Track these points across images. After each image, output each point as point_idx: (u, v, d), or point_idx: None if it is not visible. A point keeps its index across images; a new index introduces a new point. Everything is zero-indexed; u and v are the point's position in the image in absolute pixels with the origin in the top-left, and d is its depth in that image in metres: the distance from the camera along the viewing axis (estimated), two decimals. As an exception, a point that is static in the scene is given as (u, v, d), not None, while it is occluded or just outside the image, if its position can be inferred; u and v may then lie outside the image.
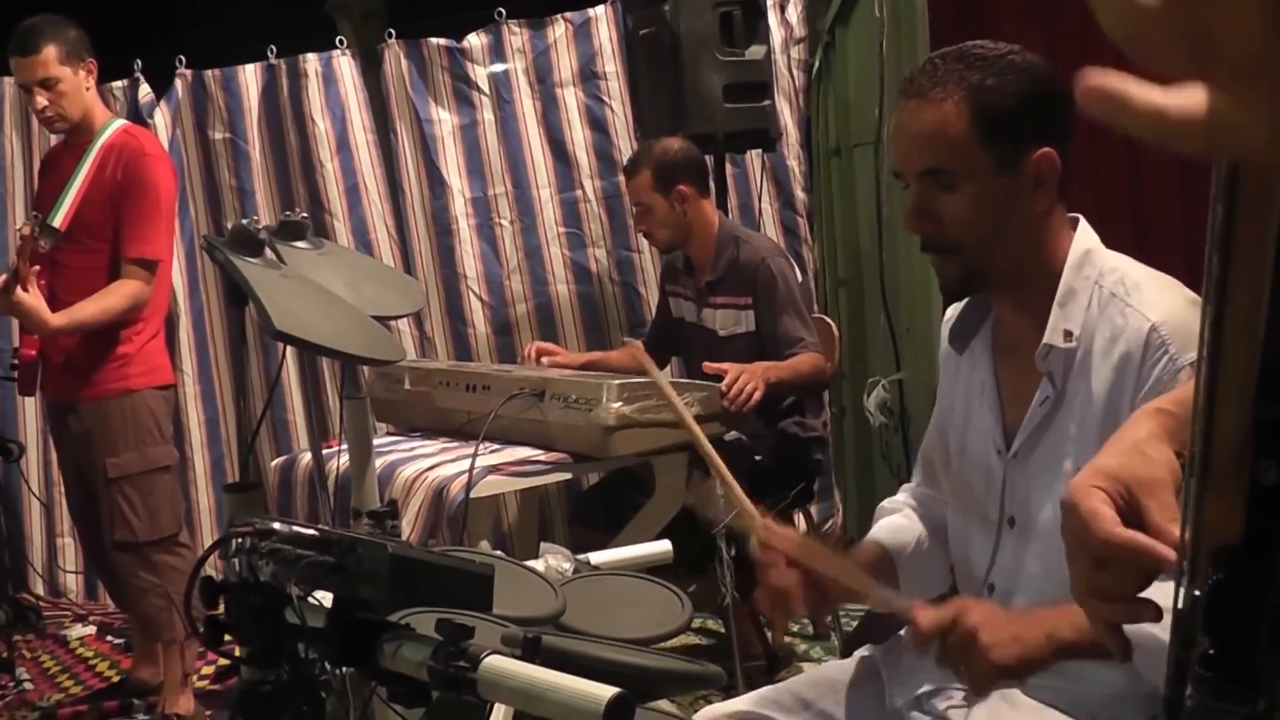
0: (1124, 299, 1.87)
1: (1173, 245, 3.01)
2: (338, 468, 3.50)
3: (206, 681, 4.48)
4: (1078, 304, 1.91)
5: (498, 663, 1.53)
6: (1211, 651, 0.88)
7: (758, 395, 3.77)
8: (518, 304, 5.27)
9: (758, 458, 4.10)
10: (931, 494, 2.27)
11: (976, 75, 1.88)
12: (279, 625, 1.70)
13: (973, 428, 2.09)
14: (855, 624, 4.52)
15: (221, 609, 1.75)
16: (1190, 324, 1.79)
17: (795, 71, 5.51)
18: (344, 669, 1.81)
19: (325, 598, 1.73)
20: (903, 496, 2.33)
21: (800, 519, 4.52)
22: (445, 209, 5.22)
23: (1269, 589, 0.89)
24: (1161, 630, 1.70)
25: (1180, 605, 0.95)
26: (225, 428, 5.24)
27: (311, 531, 1.63)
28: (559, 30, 5.28)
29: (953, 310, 2.15)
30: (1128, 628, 1.74)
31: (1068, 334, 1.90)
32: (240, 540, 1.65)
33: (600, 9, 5.29)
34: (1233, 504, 0.87)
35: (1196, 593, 0.92)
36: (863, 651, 2.24)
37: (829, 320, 4.69)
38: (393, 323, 4.80)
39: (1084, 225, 1.98)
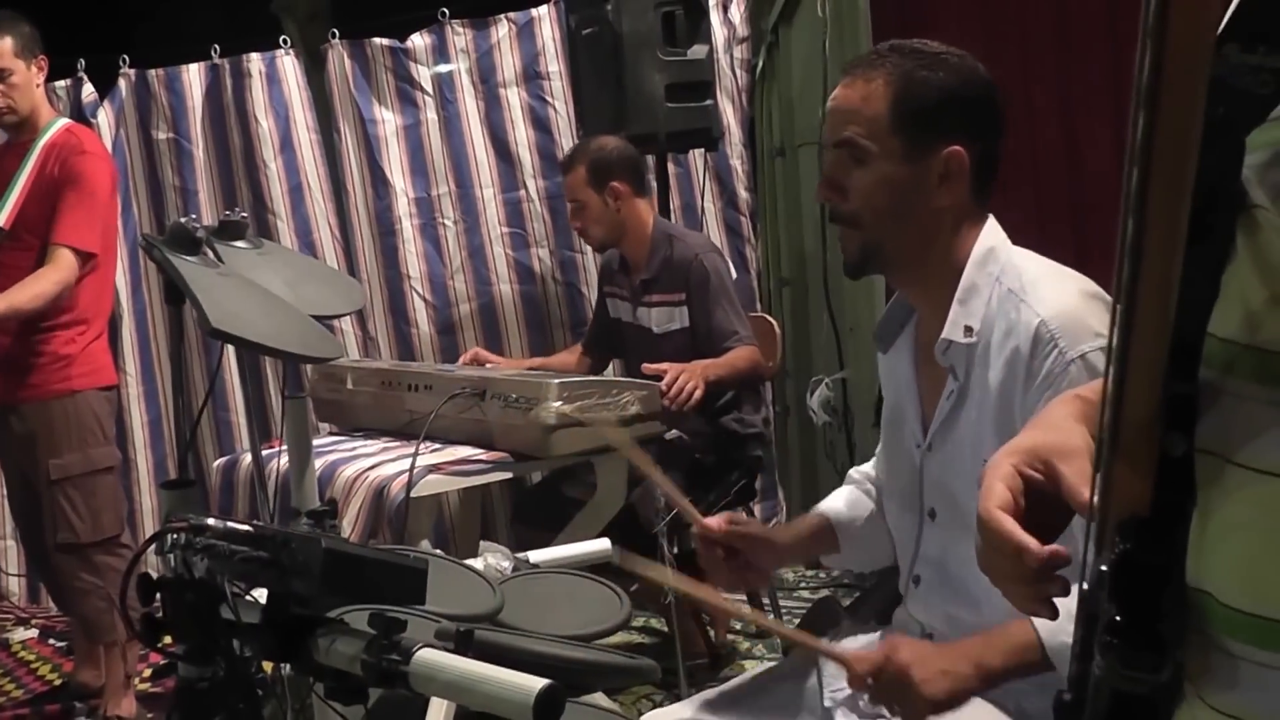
0: (1020, 295, 1.92)
1: (1111, 238, 3.06)
2: (278, 468, 3.51)
3: (149, 684, 4.47)
4: (979, 300, 1.96)
5: (430, 656, 1.55)
6: (1118, 619, 0.91)
7: (699, 394, 3.80)
8: (461, 304, 5.27)
9: (697, 455, 4.13)
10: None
11: (905, 65, 1.96)
12: (215, 622, 1.71)
13: (899, 423, 2.15)
14: (797, 623, 4.57)
15: (158, 606, 1.77)
16: (1082, 318, 1.85)
17: (738, 71, 5.54)
18: (284, 667, 1.82)
19: (262, 595, 1.75)
20: (869, 467, 2.38)
21: (743, 517, 4.54)
22: (389, 209, 5.22)
23: (1173, 559, 0.92)
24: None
25: (1086, 582, 0.98)
26: (168, 428, 5.22)
27: (245, 527, 1.64)
28: (502, 30, 5.29)
29: (885, 310, 2.21)
30: (1048, 640, 1.80)
31: (968, 329, 1.96)
32: (175, 536, 1.66)
33: (543, 9, 5.30)
34: (1141, 476, 0.90)
35: (1103, 567, 0.95)
36: (802, 651, 2.29)
37: (770, 319, 4.73)
38: (336, 323, 4.82)
39: (991, 223, 2.03)
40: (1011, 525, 1.08)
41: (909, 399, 2.11)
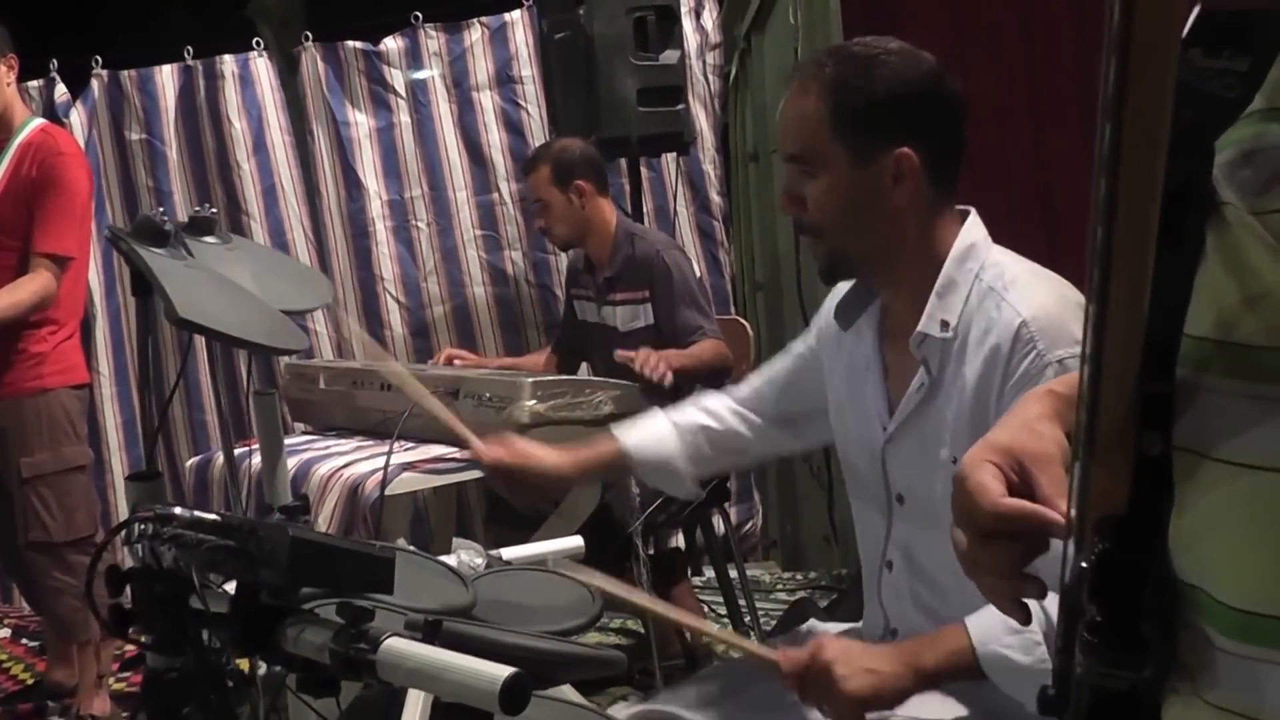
0: (1001, 293, 1.92)
1: (1082, 241, 3.09)
2: (252, 466, 3.52)
3: (124, 684, 4.47)
4: (957, 295, 1.96)
5: (397, 645, 1.56)
6: (1099, 619, 0.91)
7: (669, 378, 3.83)
8: (434, 306, 5.30)
9: None
10: (754, 402, 2.40)
11: (841, 71, 1.95)
12: (183, 612, 1.72)
13: (858, 405, 2.15)
14: (774, 624, 4.59)
15: (126, 598, 1.78)
16: (1062, 320, 1.86)
17: (711, 77, 5.58)
18: (258, 659, 1.84)
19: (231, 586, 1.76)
20: (714, 400, 2.46)
21: (718, 520, 4.57)
22: (362, 211, 5.25)
23: (1152, 558, 0.93)
24: (1017, 652, 1.78)
25: (1067, 579, 1.00)
26: (142, 429, 5.22)
27: (211, 516, 1.66)
28: (475, 34, 5.32)
29: (840, 288, 2.21)
30: (980, 648, 1.82)
31: (944, 324, 1.96)
32: (142, 526, 1.67)
33: (516, 14, 5.34)
34: (1118, 476, 0.91)
35: (1083, 564, 0.96)
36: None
37: (743, 321, 4.76)
38: (309, 324, 4.83)
39: (972, 219, 2.04)
40: (1032, 505, 1.07)
41: (871, 379, 2.12)
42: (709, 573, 4.92)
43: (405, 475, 3.46)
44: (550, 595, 2.55)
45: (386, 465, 3.37)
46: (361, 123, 5.26)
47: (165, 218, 2.07)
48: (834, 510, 5.54)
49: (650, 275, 4.19)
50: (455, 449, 3.65)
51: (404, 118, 5.28)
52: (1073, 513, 1.03)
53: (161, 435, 5.24)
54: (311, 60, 5.22)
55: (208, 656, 1.76)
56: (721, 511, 4.61)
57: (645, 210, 5.04)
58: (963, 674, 1.85)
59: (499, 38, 5.32)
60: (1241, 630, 0.92)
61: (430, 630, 1.75)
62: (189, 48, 5.17)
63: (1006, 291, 1.92)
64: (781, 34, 5.60)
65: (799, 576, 5.45)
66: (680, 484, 2.43)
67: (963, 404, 1.93)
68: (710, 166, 5.56)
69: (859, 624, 2.27)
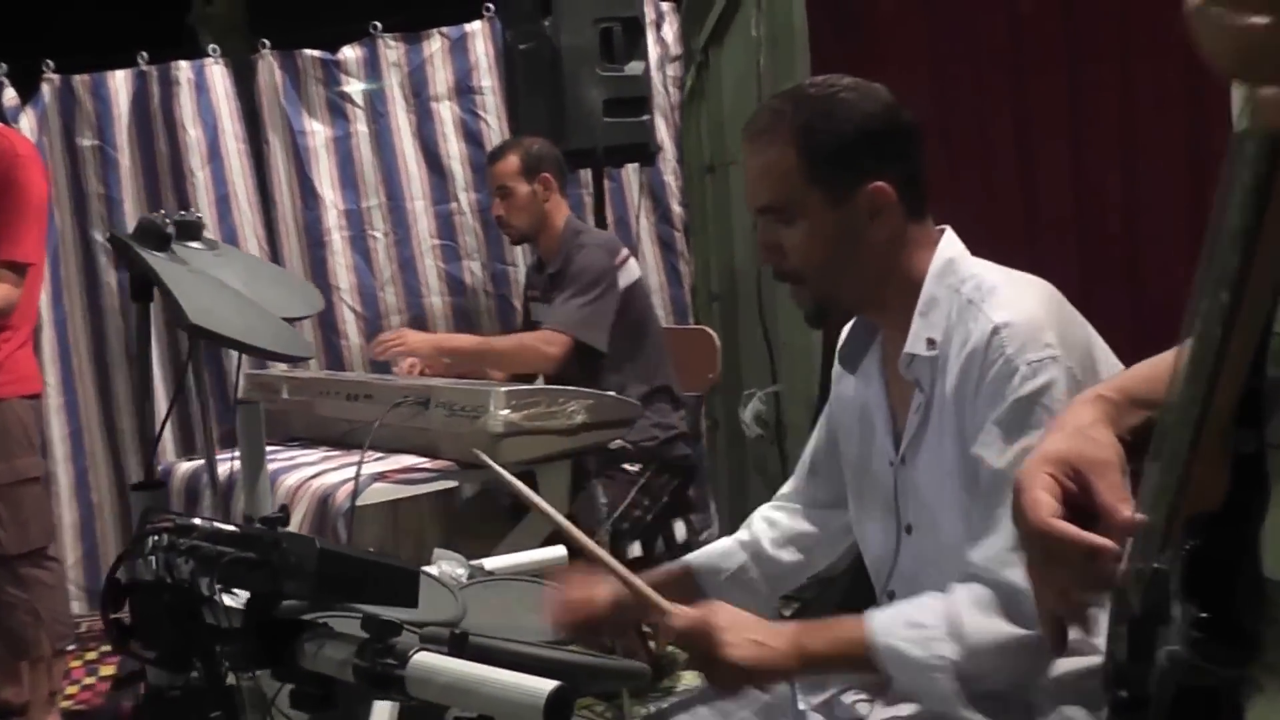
0: (978, 304, 1.92)
1: (1064, 260, 3.11)
2: (214, 479, 3.49)
3: (70, 702, 4.38)
4: (940, 312, 1.96)
5: (428, 659, 1.52)
6: (1204, 615, 0.91)
7: (411, 366, 4.07)
8: (391, 316, 5.24)
9: (625, 465, 4.14)
10: (813, 499, 2.32)
11: (803, 117, 1.94)
12: (197, 626, 1.67)
13: (870, 441, 2.14)
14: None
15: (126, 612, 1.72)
16: (1035, 325, 1.85)
17: (671, 89, 5.56)
18: (253, 673, 1.78)
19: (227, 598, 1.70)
20: (767, 509, 2.39)
21: (680, 527, 4.54)
22: (318, 220, 5.18)
23: (1244, 555, 0.93)
24: (912, 645, 1.78)
25: (1134, 577, 0.98)
26: (89, 441, 5.12)
27: (231, 528, 1.60)
28: (435, 45, 5.27)
29: (846, 330, 2.20)
30: (875, 640, 1.82)
31: (930, 342, 1.95)
32: (157, 537, 1.62)
33: (476, 24, 5.28)
34: (1216, 473, 0.91)
35: (1156, 565, 0.95)
36: None
37: (709, 331, 4.74)
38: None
39: (948, 236, 2.03)
40: (1077, 530, 1.09)
41: (879, 416, 2.11)
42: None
43: (377, 485, 3.41)
44: (536, 605, 2.51)
45: (357, 475, 3.32)
46: (318, 131, 5.19)
47: (167, 220, 2.01)
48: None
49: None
50: (426, 459, 3.61)
51: (362, 127, 5.22)
52: (1138, 515, 1.03)
53: (109, 449, 5.14)
54: (268, 68, 5.15)
55: (219, 673, 1.71)
56: (685, 520, 4.59)
57: (608, 221, 5.01)
58: (852, 664, 1.86)
59: (459, 48, 5.27)
60: None
61: (457, 643, 1.71)
62: (143, 53, 5.07)
63: (984, 301, 1.92)
64: (741, 47, 5.60)
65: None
66: (757, 595, 2.31)
67: (949, 418, 1.93)
68: (671, 177, 5.54)
69: None
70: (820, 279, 1.99)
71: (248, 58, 5.19)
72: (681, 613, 1.88)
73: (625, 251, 4.39)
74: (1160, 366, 1.25)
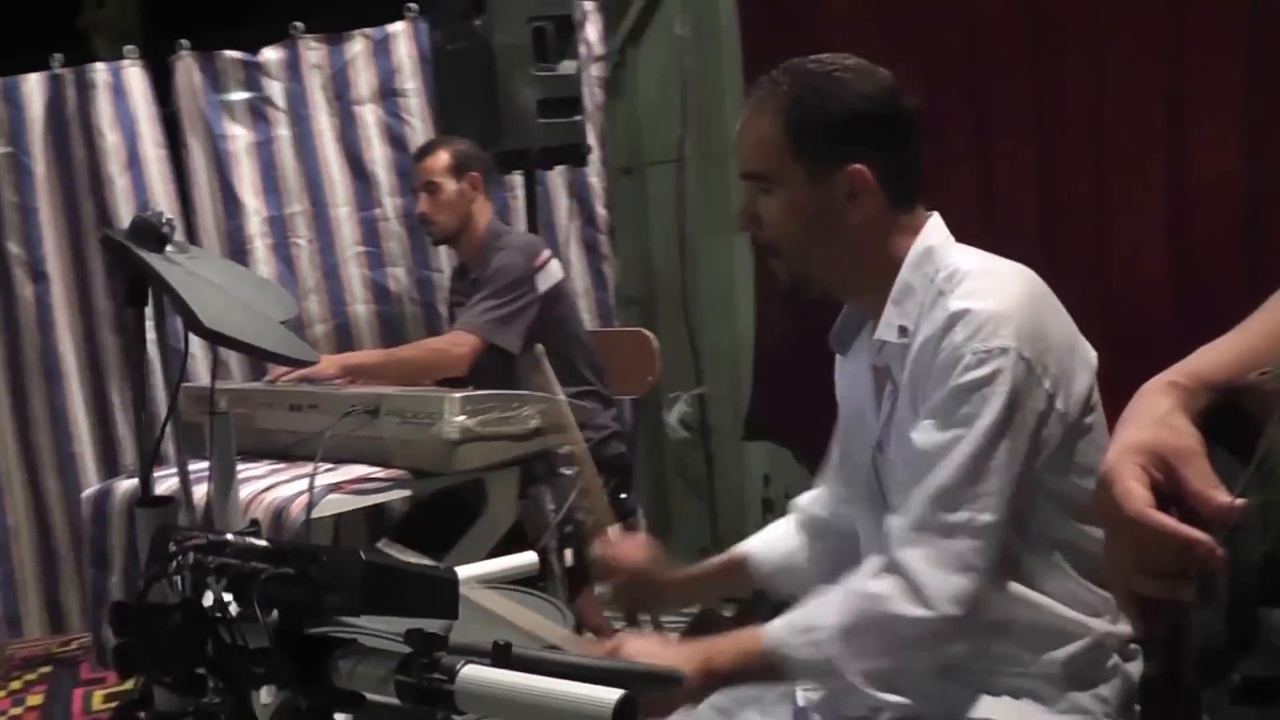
0: (949, 293, 1.92)
1: (1028, 245, 3.10)
2: (188, 496, 3.40)
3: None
4: (914, 300, 1.97)
5: (478, 673, 1.45)
6: None
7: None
8: (316, 324, 5.12)
9: (562, 469, 4.10)
10: (839, 495, 2.31)
11: (796, 91, 1.96)
12: (219, 647, 1.58)
13: (858, 425, 2.15)
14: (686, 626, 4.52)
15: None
16: (995, 316, 1.85)
17: (595, 89, 5.50)
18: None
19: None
20: (806, 498, 2.38)
21: (615, 531, 4.50)
22: (240, 228, 5.04)
23: None
24: (800, 650, 1.81)
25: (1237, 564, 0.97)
26: (3, 461, 4.95)
27: (262, 543, 1.52)
28: (358, 46, 5.15)
29: (841, 315, 2.21)
30: (772, 650, 1.83)
31: (902, 329, 1.96)
32: (183, 556, 1.53)
33: (399, 26, 5.17)
34: None
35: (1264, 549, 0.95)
36: None
37: (646, 333, 4.69)
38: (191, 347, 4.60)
39: (933, 223, 2.03)
40: (1175, 522, 1.09)
41: (868, 401, 2.12)
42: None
43: (332, 497, 3.32)
44: (520, 613, 2.46)
45: (311, 487, 3.23)
46: (239, 136, 5.06)
47: (162, 216, 1.91)
48: (717, 523, 5.53)
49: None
50: (378, 468, 3.52)
51: (284, 131, 5.09)
52: (1235, 501, 1.02)
53: (26, 468, 4.97)
54: (187, 70, 5.00)
55: (244, 694, 1.63)
56: (627, 525, 4.54)
57: (537, 225, 4.95)
58: (758, 674, 1.89)
59: (382, 50, 5.16)
60: None
61: (500, 655, 1.65)
62: (58, 55, 4.90)
63: (953, 290, 1.93)
64: (661, 47, 5.58)
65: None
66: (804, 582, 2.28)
67: (912, 403, 1.95)
68: (596, 179, 5.48)
69: None
70: (794, 253, 2.01)
71: (166, 60, 5.03)
72: (591, 647, 1.95)
73: (546, 254, 4.34)
74: (1225, 350, 1.25)
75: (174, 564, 1.55)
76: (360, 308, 5.18)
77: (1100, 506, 1.15)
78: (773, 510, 4.95)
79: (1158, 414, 1.17)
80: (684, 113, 5.44)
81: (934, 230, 2.03)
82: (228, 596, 1.53)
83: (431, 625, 1.52)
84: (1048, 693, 1.96)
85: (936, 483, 1.84)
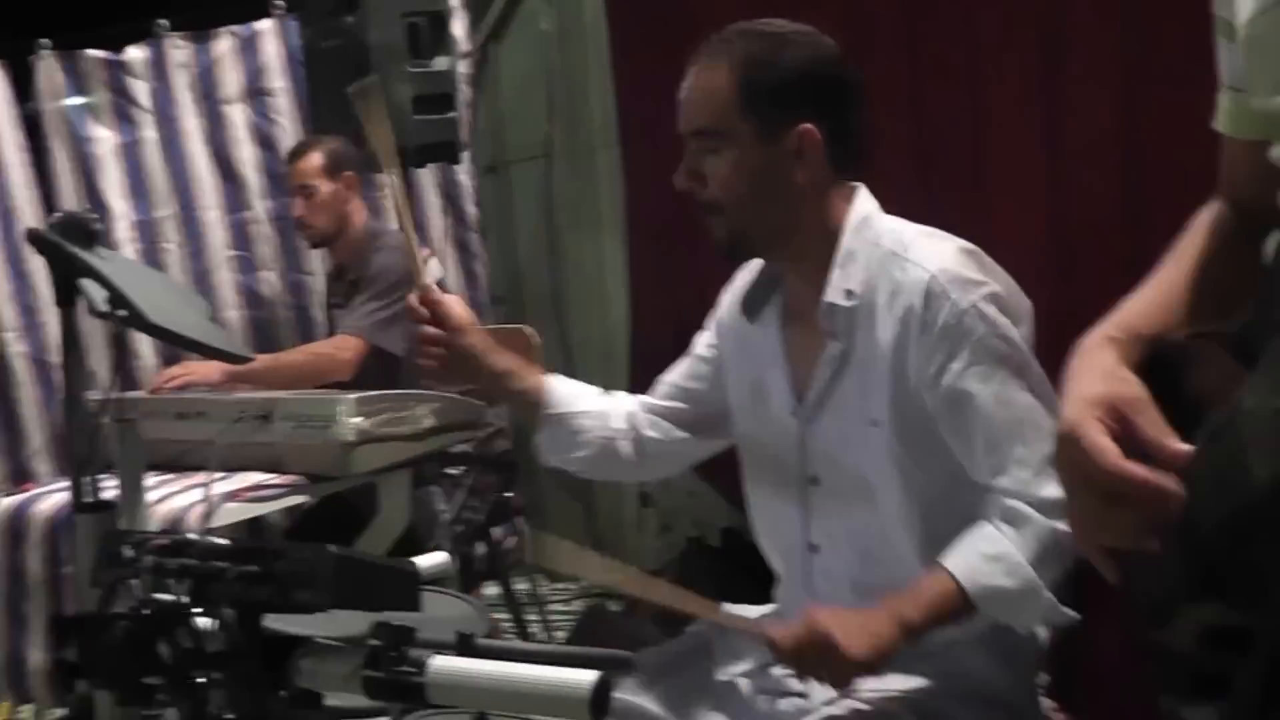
0: (902, 255, 2.00)
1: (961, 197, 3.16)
2: (50, 511, 3.33)
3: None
4: (858, 264, 2.03)
5: (449, 663, 1.45)
6: None
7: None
8: (187, 331, 5.00)
9: (445, 469, 4.13)
10: (664, 414, 2.32)
11: (750, 47, 2.01)
12: (177, 653, 1.54)
13: (765, 392, 2.18)
14: (571, 634, 4.51)
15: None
16: (966, 271, 1.96)
17: (464, 86, 5.47)
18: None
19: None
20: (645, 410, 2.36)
21: (500, 531, 4.49)
22: (107, 233, 4.88)
23: None
24: (1005, 578, 1.84)
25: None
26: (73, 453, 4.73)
27: (224, 542, 1.50)
28: (225, 44, 5.05)
29: (742, 281, 2.25)
30: (970, 585, 1.86)
31: (849, 293, 2.02)
32: (141, 559, 1.50)
33: (266, 23, 5.08)
34: None
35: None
36: (692, 628, 2.29)
37: (526, 330, 4.67)
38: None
39: (863, 192, 2.10)
40: (1149, 472, 1.12)
41: (776, 366, 2.15)
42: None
43: (230, 505, 3.26)
44: (440, 613, 2.45)
45: (208, 496, 3.17)
46: (105, 138, 4.93)
47: (94, 214, 1.86)
48: (596, 519, 5.53)
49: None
50: (273, 475, 3.46)
51: (150, 133, 4.97)
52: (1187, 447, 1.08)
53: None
54: (49, 70, 4.86)
55: (201, 700, 1.59)
56: (509, 522, 4.54)
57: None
58: (949, 618, 1.90)
59: (249, 48, 5.06)
60: None
61: (465, 645, 1.65)
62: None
63: (907, 252, 2.00)
64: (524, 44, 5.57)
65: (572, 586, 5.40)
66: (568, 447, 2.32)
67: (880, 367, 2.00)
68: (465, 178, 5.45)
69: (774, 608, 2.27)
70: (738, 211, 2.03)
71: (26, 59, 4.87)
72: (784, 633, 1.87)
73: (425, 252, 4.30)
74: (1148, 300, 1.31)
75: (131, 568, 1.52)
76: (232, 313, 5.07)
77: (1066, 463, 1.18)
78: (649, 503, 4.95)
79: (1106, 367, 1.21)
80: (550, 109, 5.44)
81: (866, 199, 2.10)
82: (185, 599, 1.51)
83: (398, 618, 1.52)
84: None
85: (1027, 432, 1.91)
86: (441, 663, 1.45)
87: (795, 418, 2.11)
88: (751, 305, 2.19)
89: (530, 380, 2.30)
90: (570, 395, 2.30)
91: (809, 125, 1.99)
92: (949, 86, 3.25)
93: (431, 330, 2.18)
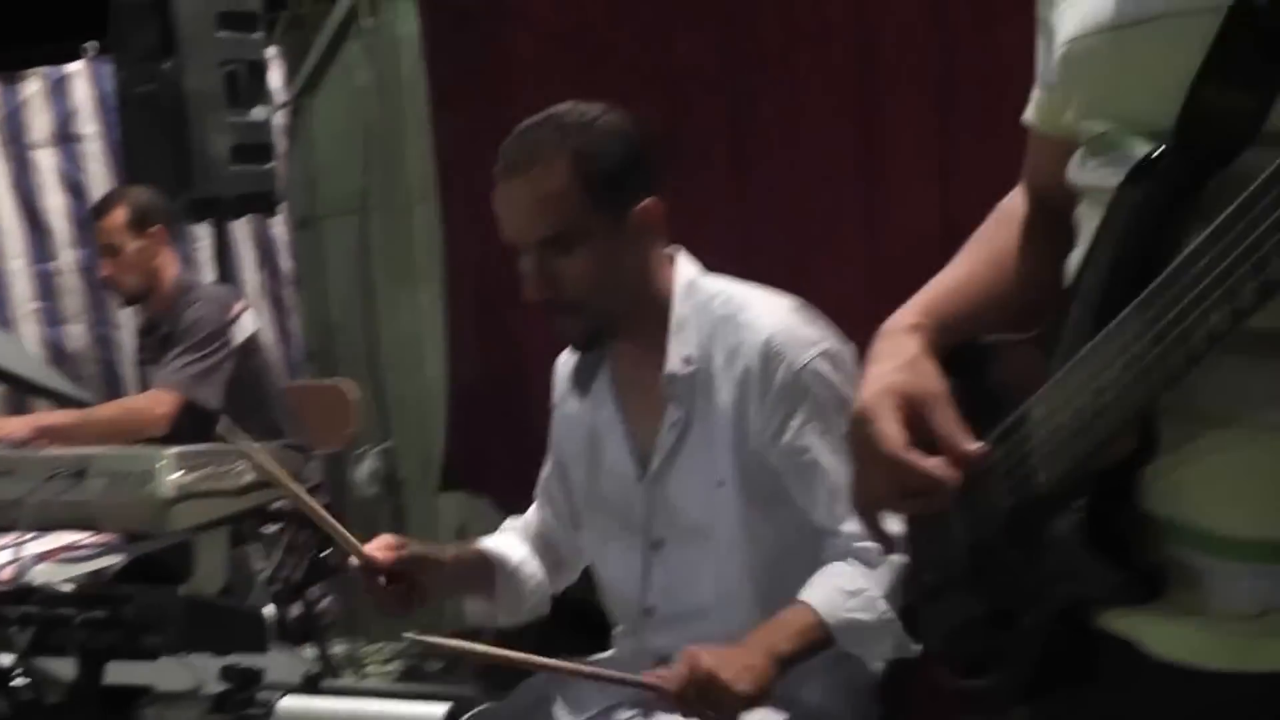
0: (735, 318, 2.03)
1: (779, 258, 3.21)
2: None
3: None
4: (691, 329, 2.05)
5: (298, 703, 1.44)
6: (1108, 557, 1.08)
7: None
8: (-13, 388, 4.82)
9: (261, 527, 4.03)
10: (552, 523, 2.34)
11: (575, 142, 1.98)
12: (15, 707, 1.49)
13: (604, 462, 2.19)
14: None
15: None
16: (800, 330, 2.01)
17: (280, 137, 5.40)
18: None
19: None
20: (519, 521, 2.38)
21: (316, 590, 4.41)
22: (-98, 284, 4.73)
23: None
24: (862, 612, 1.89)
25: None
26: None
27: (68, 589, 1.46)
28: (33, 87, 4.93)
29: (565, 359, 2.26)
30: (829, 617, 1.90)
31: (687, 359, 2.04)
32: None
33: (77, 65, 4.96)
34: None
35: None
36: (529, 681, 2.26)
37: (342, 386, 4.62)
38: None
39: (684, 256, 2.13)
40: (931, 461, 1.17)
41: (614, 436, 2.16)
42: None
43: (42, 566, 3.11)
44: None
45: (18, 556, 3.05)
46: (-96, 183, 4.75)
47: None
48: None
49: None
50: (87, 534, 3.34)
51: (-48, 177, 4.81)
52: (981, 447, 1.18)
53: None
54: None
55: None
56: (326, 580, 4.45)
57: (225, 278, 4.80)
58: (813, 649, 1.93)
59: (58, 91, 4.94)
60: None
61: (311, 685, 1.62)
62: None
63: (740, 315, 2.04)
64: (339, 96, 5.50)
65: (383, 646, 5.30)
66: (536, 587, 2.31)
67: (722, 428, 2.03)
68: (280, 230, 5.37)
69: (612, 653, 2.27)
70: (601, 303, 2.01)
71: None
72: (667, 677, 1.86)
73: (241, 304, 4.22)
74: (946, 286, 1.36)
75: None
76: (36, 368, 4.91)
77: (856, 441, 1.23)
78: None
79: (906, 356, 1.24)
80: (365, 162, 5.40)
81: (688, 263, 2.12)
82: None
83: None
84: None
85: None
86: (291, 703, 1.43)
87: (639, 484, 2.12)
88: (581, 381, 2.20)
89: (468, 557, 2.25)
90: (501, 555, 2.27)
91: (649, 200, 2.01)
92: (767, 136, 3.31)
93: (392, 591, 2.09)
